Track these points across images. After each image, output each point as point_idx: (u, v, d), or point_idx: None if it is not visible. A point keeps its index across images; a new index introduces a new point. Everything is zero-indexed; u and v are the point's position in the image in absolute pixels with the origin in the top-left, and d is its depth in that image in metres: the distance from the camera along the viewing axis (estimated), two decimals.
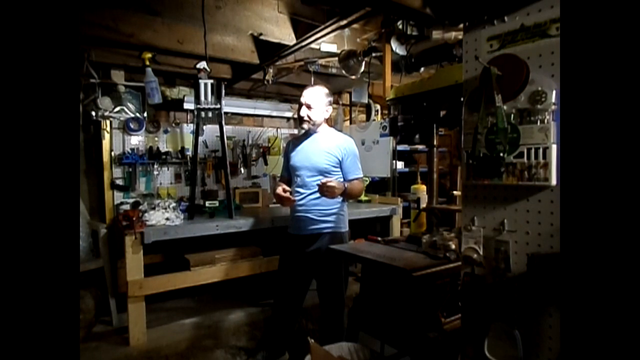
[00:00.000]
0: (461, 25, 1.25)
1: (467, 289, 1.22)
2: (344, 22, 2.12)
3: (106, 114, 3.05)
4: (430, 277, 1.42)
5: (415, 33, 2.63)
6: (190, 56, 2.85)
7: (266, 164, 4.10)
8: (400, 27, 2.62)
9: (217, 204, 2.99)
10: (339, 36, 2.85)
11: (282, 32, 2.80)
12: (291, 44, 2.70)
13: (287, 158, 2.28)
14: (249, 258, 2.98)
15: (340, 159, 2.12)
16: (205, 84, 2.70)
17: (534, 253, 1.06)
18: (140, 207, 2.64)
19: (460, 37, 2.01)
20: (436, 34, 2.46)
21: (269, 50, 2.88)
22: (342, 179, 2.15)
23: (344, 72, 2.97)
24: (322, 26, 2.27)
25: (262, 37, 2.79)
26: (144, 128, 3.39)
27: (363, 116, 4.53)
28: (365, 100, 4.18)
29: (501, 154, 1.08)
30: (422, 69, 2.72)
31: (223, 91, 2.77)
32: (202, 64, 2.66)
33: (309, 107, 2.10)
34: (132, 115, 3.22)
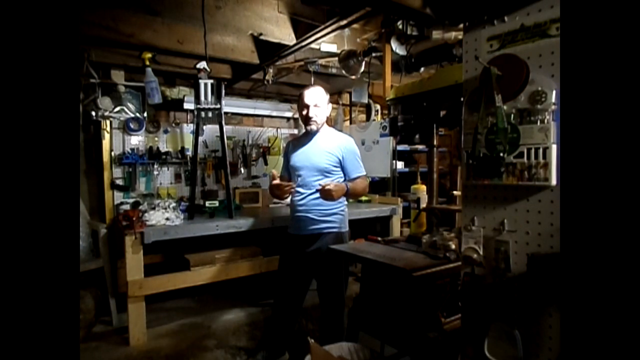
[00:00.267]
0: (461, 25, 1.25)
1: (467, 289, 1.22)
2: (344, 22, 2.12)
3: (106, 114, 3.05)
4: (430, 277, 1.42)
5: (415, 33, 2.63)
6: (190, 56, 2.85)
7: (266, 164, 4.10)
8: (400, 27, 2.62)
9: (217, 204, 2.99)
10: (339, 36, 2.85)
11: (282, 32, 2.80)
12: (291, 44, 2.70)
13: (287, 158, 2.28)
14: (249, 258, 2.98)
15: (341, 159, 2.12)
16: (205, 84, 2.70)
17: (534, 253, 1.06)
18: (140, 207, 2.64)
19: (460, 37, 2.01)
20: (436, 34, 2.46)
21: (269, 50, 2.88)
22: (342, 179, 2.15)
23: (344, 72, 2.97)
24: (322, 26, 2.27)
25: (262, 37, 2.79)
26: (144, 128, 3.40)
27: (363, 116, 4.53)
28: (365, 100, 4.18)
29: (501, 154, 1.08)
30: (422, 69, 2.72)
31: (223, 91, 2.78)
32: (202, 64, 2.66)
33: (316, 107, 2.09)
34: (132, 115, 3.23)
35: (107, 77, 3.06)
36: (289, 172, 2.26)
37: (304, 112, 2.10)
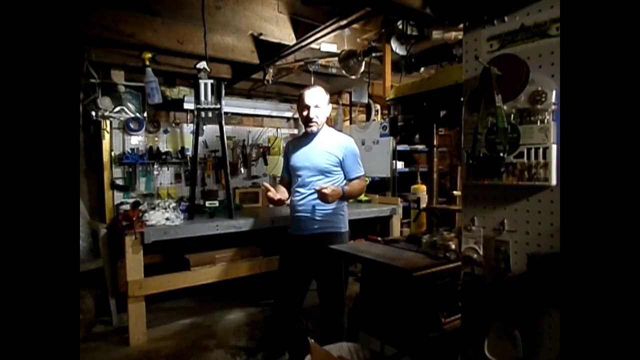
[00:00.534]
0: (461, 25, 1.25)
1: (467, 289, 1.22)
2: (344, 22, 2.12)
3: (106, 114, 3.05)
4: (430, 277, 1.42)
5: (415, 33, 2.63)
6: (190, 56, 2.85)
7: (266, 164, 4.10)
8: (400, 27, 2.62)
9: (217, 204, 2.99)
10: (339, 36, 2.85)
11: (282, 32, 2.80)
12: (291, 44, 2.70)
13: (287, 158, 2.28)
14: (249, 258, 2.98)
15: (341, 159, 2.12)
16: (205, 84, 2.70)
17: (534, 253, 1.06)
18: (140, 207, 2.64)
19: (460, 37, 2.01)
20: (436, 34, 2.46)
21: (269, 50, 2.88)
22: (343, 179, 2.15)
23: (344, 72, 2.97)
24: (322, 26, 2.27)
25: (262, 37, 2.79)
26: (144, 128, 3.40)
27: (363, 116, 4.53)
28: (365, 100, 4.18)
29: (501, 154, 1.08)
30: (422, 69, 2.72)
31: (223, 91, 2.77)
32: (202, 64, 2.66)
33: (317, 107, 2.09)
34: (132, 115, 3.23)
35: (107, 77, 3.06)
36: (289, 172, 2.26)
37: (305, 113, 2.10)
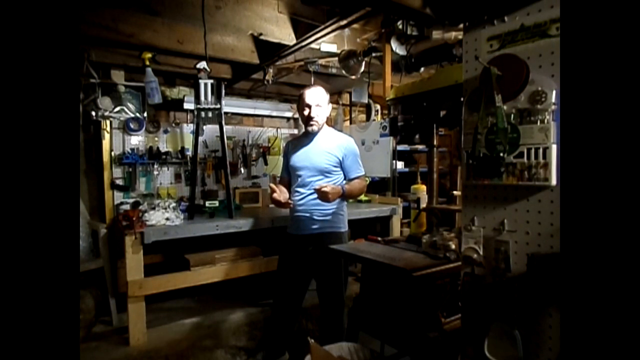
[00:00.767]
0: (461, 25, 1.25)
1: (467, 289, 1.22)
2: (344, 22, 2.12)
3: (106, 114, 3.05)
4: (430, 277, 1.42)
5: (415, 33, 2.63)
6: (190, 56, 2.85)
7: (266, 164, 4.10)
8: (400, 27, 2.62)
9: (217, 204, 2.98)
10: (339, 36, 2.85)
11: (282, 32, 2.80)
12: (291, 44, 2.70)
13: (287, 158, 2.28)
14: (249, 258, 2.98)
15: (341, 159, 2.12)
16: (205, 84, 2.69)
17: (534, 253, 1.06)
18: (140, 207, 2.64)
19: (460, 37, 2.01)
20: (436, 34, 2.46)
21: (269, 50, 2.88)
22: (342, 179, 2.15)
23: (344, 72, 2.97)
24: (322, 26, 2.27)
25: (262, 37, 2.79)
26: (144, 128, 3.40)
27: (363, 116, 4.53)
28: (365, 100, 4.18)
29: (501, 154, 1.08)
30: (422, 69, 2.72)
31: (223, 91, 2.77)
32: (202, 64, 2.66)
33: (318, 107, 2.09)
34: (132, 115, 3.22)
35: (107, 77, 3.06)
36: (289, 172, 2.26)
37: (306, 112, 2.09)
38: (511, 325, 1.09)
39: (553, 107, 1.01)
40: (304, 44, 2.53)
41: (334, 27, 2.20)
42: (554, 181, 1.01)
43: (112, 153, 3.26)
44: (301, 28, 2.77)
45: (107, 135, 3.17)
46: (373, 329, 1.77)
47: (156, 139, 3.53)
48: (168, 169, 3.56)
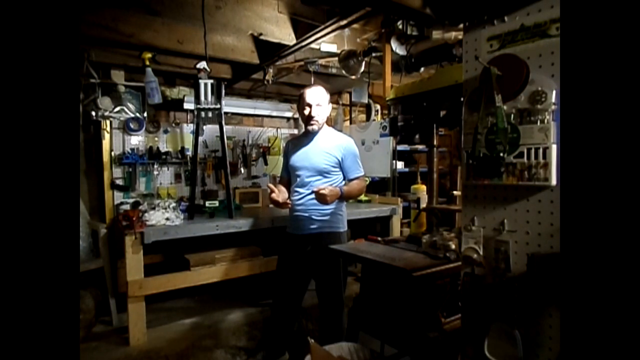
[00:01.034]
0: (461, 25, 1.25)
1: (467, 289, 1.22)
2: (344, 22, 2.12)
3: (106, 114, 3.05)
4: (430, 277, 1.42)
5: (415, 33, 2.63)
6: (190, 56, 2.85)
7: (266, 164, 4.10)
8: (400, 27, 2.62)
9: (217, 204, 2.99)
10: (339, 36, 2.85)
11: (282, 32, 2.80)
12: (291, 44, 2.70)
13: (286, 158, 2.28)
14: (249, 258, 2.98)
15: (340, 159, 2.12)
16: (205, 84, 2.70)
17: (534, 253, 1.06)
18: (140, 207, 2.64)
19: (460, 37, 2.01)
20: (436, 34, 2.46)
21: (269, 50, 2.88)
22: (342, 179, 2.15)
23: (344, 72, 2.97)
24: (322, 26, 2.27)
25: (262, 37, 2.79)
26: (144, 128, 3.40)
27: (363, 116, 4.53)
28: (365, 100, 4.19)
29: (501, 154, 1.08)
30: (422, 69, 2.72)
31: (223, 91, 2.77)
32: (202, 64, 2.66)
33: (318, 106, 2.08)
34: (132, 115, 3.22)
35: (107, 77, 3.06)
36: (289, 172, 2.26)
37: (306, 112, 2.09)
38: (511, 325, 1.09)
39: (553, 107, 1.01)
40: (304, 44, 2.53)
41: (334, 27, 2.20)
42: (554, 181, 1.01)
43: (112, 153, 3.26)
44: (301, 28, 2.77)
45: (107, 135, 3.18)
46: (373, 329, 1.77)
47: (156, 139, 3.53)
48: (168, 169, 3.57)
